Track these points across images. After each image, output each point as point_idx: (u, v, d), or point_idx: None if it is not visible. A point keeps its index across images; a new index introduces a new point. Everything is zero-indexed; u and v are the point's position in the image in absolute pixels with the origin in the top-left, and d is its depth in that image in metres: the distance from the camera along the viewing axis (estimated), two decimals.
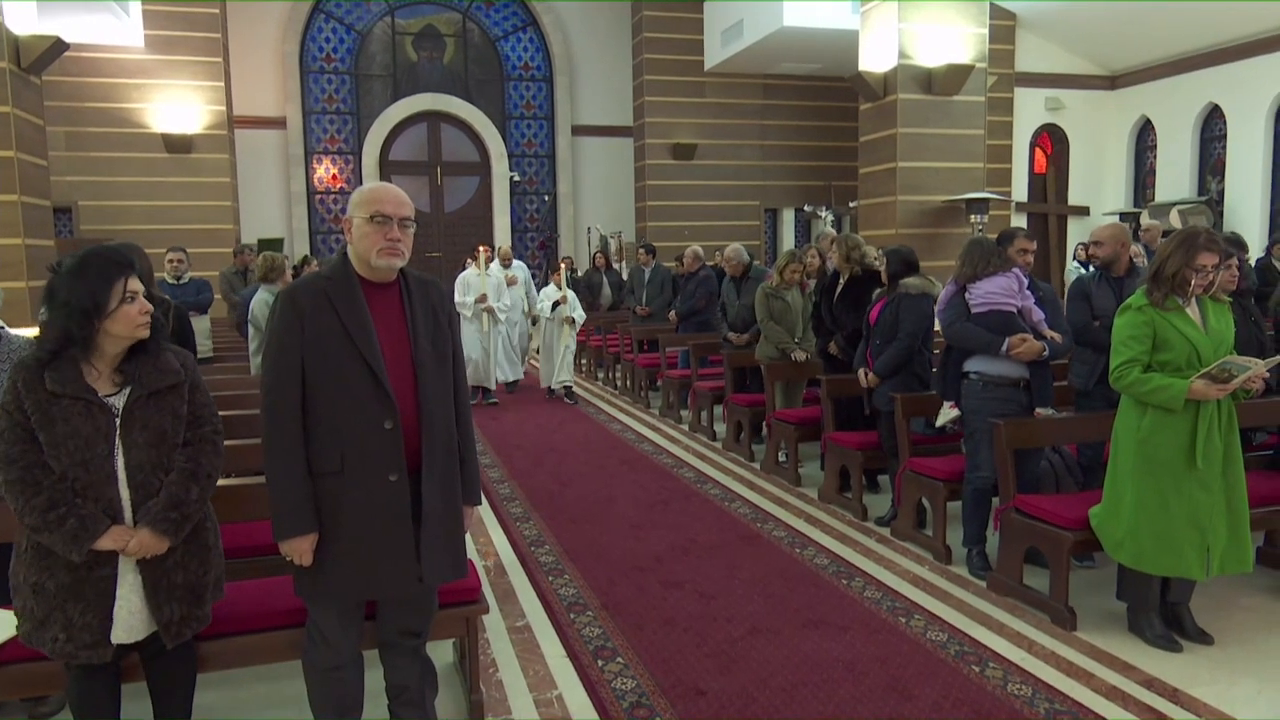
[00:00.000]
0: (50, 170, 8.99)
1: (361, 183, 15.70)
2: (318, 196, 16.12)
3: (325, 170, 16.16)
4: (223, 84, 13.01)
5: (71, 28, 10.03)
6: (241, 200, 14.14)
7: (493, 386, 9.40)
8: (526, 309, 10.50)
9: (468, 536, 4.70)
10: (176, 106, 12.66)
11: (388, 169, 16.13)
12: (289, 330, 2.39)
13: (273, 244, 13.05)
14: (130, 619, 2.40)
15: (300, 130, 15.74)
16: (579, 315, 9.49)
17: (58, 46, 8.19)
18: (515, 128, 17.04)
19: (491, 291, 9.14)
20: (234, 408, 4.59)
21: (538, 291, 10.63)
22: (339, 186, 16.17)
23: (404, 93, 16.21)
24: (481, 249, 9.30)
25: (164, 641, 2.44)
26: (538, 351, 11.86)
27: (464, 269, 9.57)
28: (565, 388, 9.54)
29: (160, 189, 12.75)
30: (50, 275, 2.43)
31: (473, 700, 3.07)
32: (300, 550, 2.41)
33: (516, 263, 10.70)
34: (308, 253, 14.49)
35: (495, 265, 9.95)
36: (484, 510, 5.53)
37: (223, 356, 7.79)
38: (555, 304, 9.30)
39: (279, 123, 15.50)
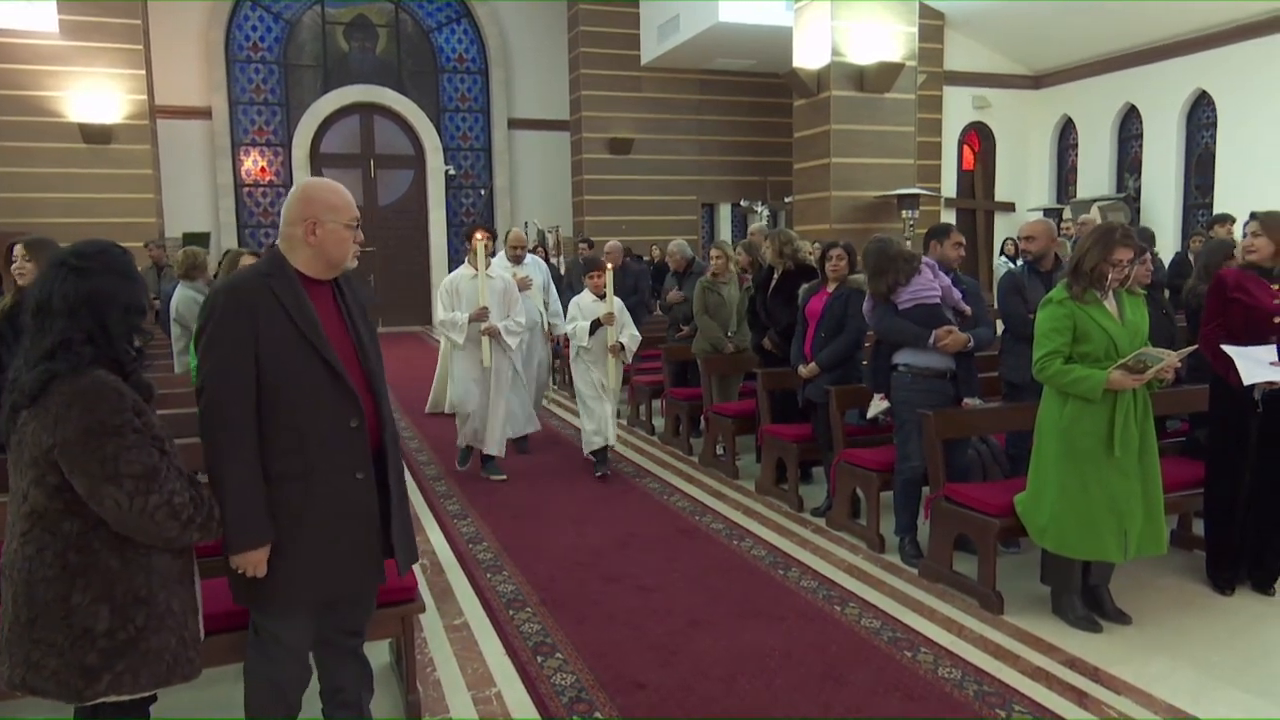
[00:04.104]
0: None
1: (292, 175, 15.37)
2: (246, 189, 15.69)
3: (253, 162, 15.74)
4: (144, 72, 12.58)
5: None
6: (165, 193, 13.69)
7: (498, 450, 6.01)
8: (545, 326, 7.24)
9: None
10: (94, 95, 12.19)
11: (319, 162, 15.78)
12: (240, 330, 2.27)
13: (199, 238, 12.68)
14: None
15: (226, 121, 15.30)
16: (631, 339, 6.09)
17: None
18: (450, 121, 16.83)
19: (495, 303, 5.83)
20: (165, 407, 4.43)
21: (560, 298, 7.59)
22: (268, 179, 15.76)
23: (335, 84, 15.87)
24: (480, 235, 5.90)
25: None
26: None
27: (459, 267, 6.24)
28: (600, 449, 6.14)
29: (77, 181, 12.27)
30: (74, 279, 2.10)
31: (410, 700, 3.03)
32: (257, 561, 2.30)
33: (530, 258, 7.28)
34: (235, 245, 14.10)
35: (500, 260, 6.82)
36: (421, 508, 5.46)
37: (151, 355, 7.52)
38: (595, 324, 5.97)
39: (204, 113, 15.04)
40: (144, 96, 12.56)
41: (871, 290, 4.61)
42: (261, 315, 2.29)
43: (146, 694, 2.21)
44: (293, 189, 2.47)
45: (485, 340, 5.80)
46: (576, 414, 6.50)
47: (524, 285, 6.56)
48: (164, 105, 13.89)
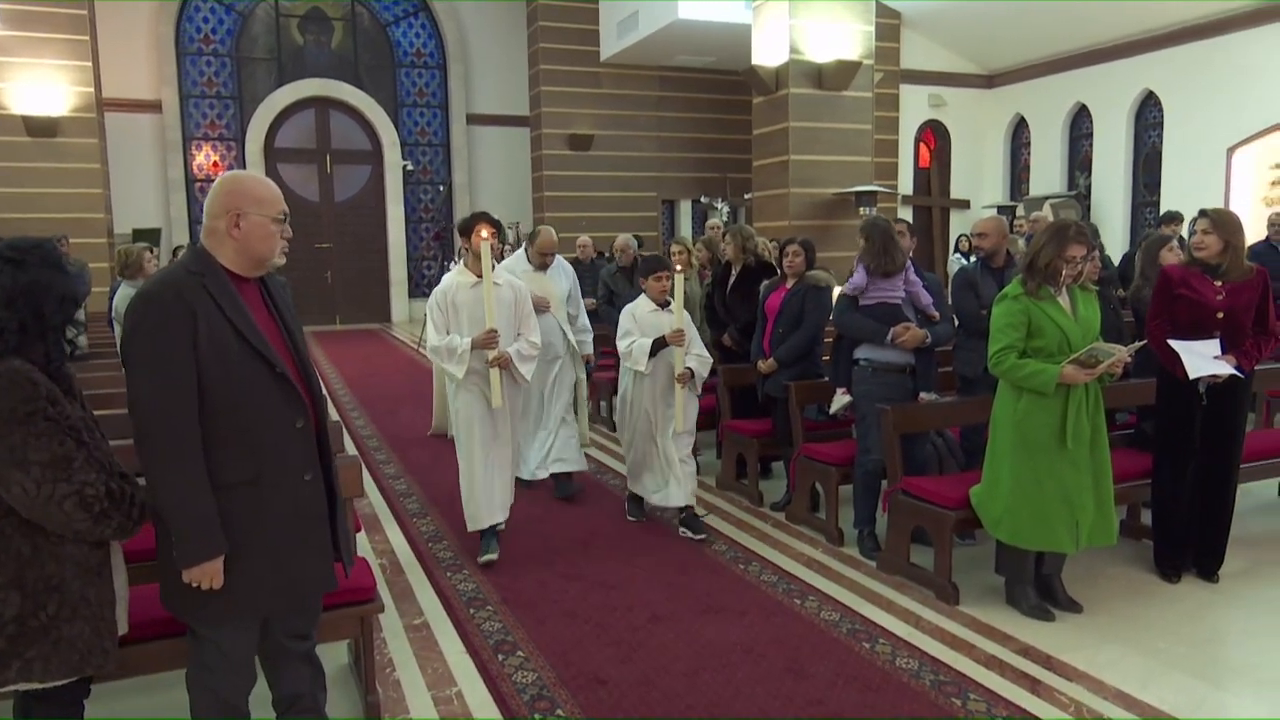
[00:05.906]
0: None
1: (246, 170, 15.08)
2: (198, 184, 15.39)
3: (205, 157, 15.45)
4: (90, 64, 12.24)
5: None
6: (114, 188, 13.34)
7: (502, 514, 4.49)
8: (572, 344, 5.55)
9: (361, 534, 4.61)
10: (39, 87, 11.84)
11: (274, 156, 15.53)
12: (182, 332, 2.17)
13: (149, 234, 12.43)
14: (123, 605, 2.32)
15: (177, 114, 15.00)
16: (699, 361, 4.71)
17: None
18: (408, 116, 16.66)
19: (503, 319, 4.33)
20: (113, 407, 4.34)
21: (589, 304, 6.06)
22: (221, 174, 15.45)
23: (289, 77, 15.62)
24: (484, 230, 4.27)
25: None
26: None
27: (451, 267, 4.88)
28: (687, 513, 4.81)
29: (22, 175, 11.91)
30: (11, 271, 2.16)
31: (369, 701, 3.01)
32: (213, 573, 2.21)
33: (559, 260, 5.71)
34: (187, 241, 13.82)
35: (516, 259, 5.58)
36: (380, 507, 5.41)
37: (99, 353, 7.38)
38: (658, 344, 4.62)
39: (154, 106, 14.73)
40: (91, 89, 12.21)
41: (863, 262, 4.63)
42: (200, 317, 2.19)
43: (60, 683, 2.20)
44: (216, 181, 2.37)
45: (495, 373, 4.25)
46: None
47: (542, 306, 5.08)
48: (112, 98, 13.55)
